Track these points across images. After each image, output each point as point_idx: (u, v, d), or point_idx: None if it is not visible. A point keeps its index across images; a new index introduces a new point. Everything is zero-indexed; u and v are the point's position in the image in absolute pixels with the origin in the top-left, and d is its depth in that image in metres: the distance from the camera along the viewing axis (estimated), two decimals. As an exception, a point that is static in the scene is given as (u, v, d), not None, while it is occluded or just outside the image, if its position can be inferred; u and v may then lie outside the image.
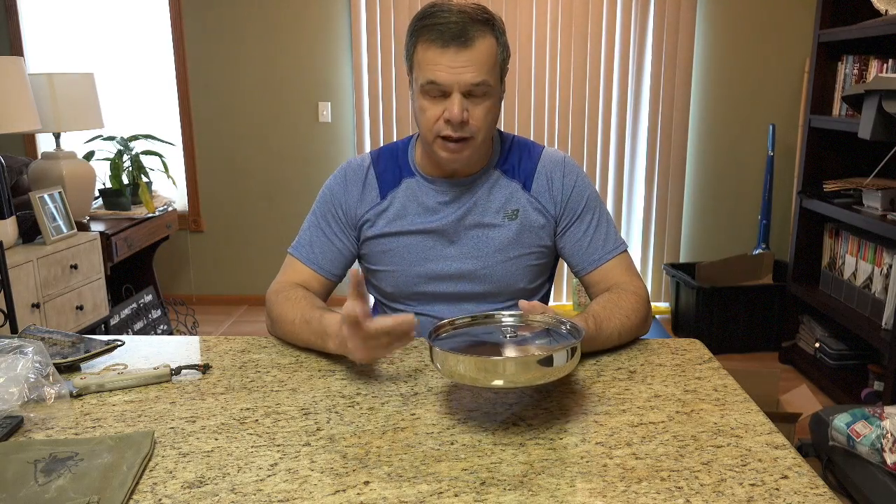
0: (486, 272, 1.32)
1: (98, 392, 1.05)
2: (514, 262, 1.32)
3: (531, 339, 0.98)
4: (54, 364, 1.04)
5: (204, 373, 1.11)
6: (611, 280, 1.30)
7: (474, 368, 0.89)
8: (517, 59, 3.62)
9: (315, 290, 1.31)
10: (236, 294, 4.07)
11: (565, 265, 3.68)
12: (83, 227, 2.82)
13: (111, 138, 3.30)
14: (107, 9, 3.81)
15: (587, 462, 0.84)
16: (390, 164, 1.35)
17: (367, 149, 3.77)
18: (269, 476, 0.82)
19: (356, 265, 1.39)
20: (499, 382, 0.88)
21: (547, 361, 0.88)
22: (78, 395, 1.03)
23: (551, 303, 1.49)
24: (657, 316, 3.81)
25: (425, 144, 1.26)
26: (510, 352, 0.95)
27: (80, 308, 2.63)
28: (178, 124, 3.88)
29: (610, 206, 3.77)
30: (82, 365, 1.14)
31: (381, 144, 3.77)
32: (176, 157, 3.87)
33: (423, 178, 1.32)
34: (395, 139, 3.74)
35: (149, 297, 3.30)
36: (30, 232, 2.53)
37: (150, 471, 0.83)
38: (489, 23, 1.19)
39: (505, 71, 1.25)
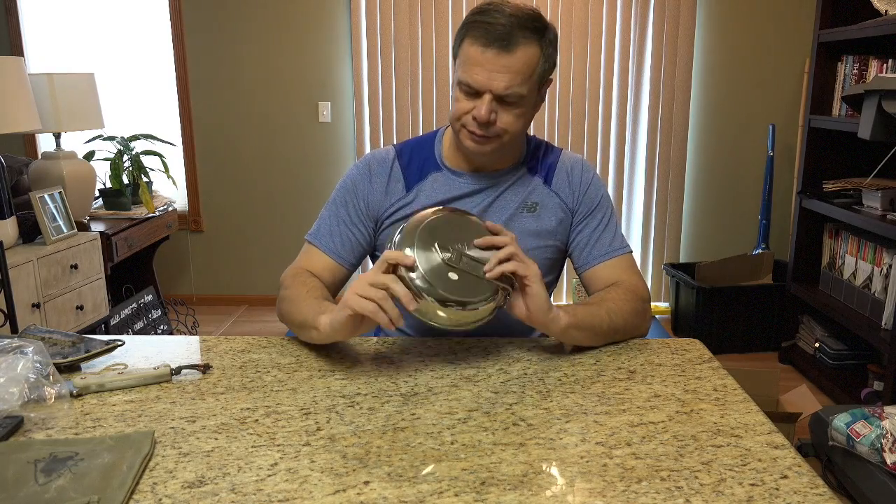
0: None
1: (98, 392, 1.05)
2: (530, 255, 1.33)
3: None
4: (54, 364, 1.04)
5: (204, 373, 1.11)
6: (611, 278, 1.31)
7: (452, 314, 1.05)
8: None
9: (329, 280, 1.32)
10: (236, 294, 4.07)
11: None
12: (83, 227, 2.82)
13: (111, 138, 3.30)
14: (107, 9, 3.81)
15: (587, 462, 0.84)
16: (416, 158, 1.36)
17: (368, 149, 3.77)
18: (269, 476, 0.82)
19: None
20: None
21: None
22: (78, 395, 1.03)
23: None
24: (657, 316, 3.82)
25: (453, 131, 1.29)
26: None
27: (81, 308, 2.63)
28: (178, 124, 3.88)
29: (610, 206, 3.78)
30: (82, 365, 1.15)
31: (381, 144, 3.79)
32: (176, 157, 3.87)
33: (450, 172, 1.34)
34: (394, 139, 3.74)
35: (149, 297, 3.30)
36: (30, 232, 2.53)
37: (150, 471, 0.83)
38: (538, 31, 1.19)
39: (546, 81, 1.25)
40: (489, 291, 1.08)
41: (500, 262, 1.08)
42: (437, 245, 1.08)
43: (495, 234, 1.13)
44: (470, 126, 1.22)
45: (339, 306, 1.08)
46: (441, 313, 1.04)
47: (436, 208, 1.16)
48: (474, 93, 1.19)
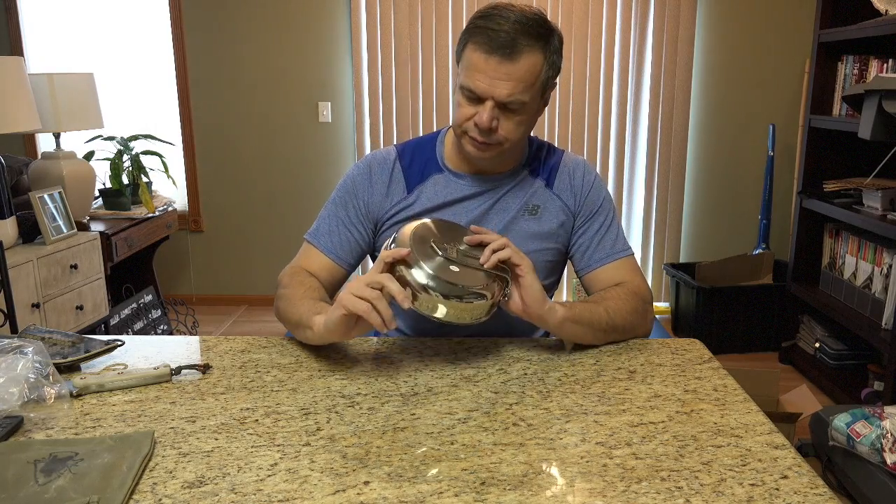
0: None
1: (98, 392, 1.05)
2: (530, 257, 1.33)
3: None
4: (54, 364, 1.04)
5: (204, 373, 1.11)
6: (613, 281, 1.31)
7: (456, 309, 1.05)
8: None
9: (326, 280, 1.32)
10: (236, 294, 4.06)
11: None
12: (83, 227, 2.82)
13: (111, 138, 3.30)
14: (107, 9, 3.81)
15: (587, 462, 0.84)
16: (417, 160, 1.36)
17: (368, 149, 3.77)
18: (269, 476, 0.82)
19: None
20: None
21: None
22: (78, 395, 1.03)
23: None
24: (657, 316, 3.82)
25: (455, 135, 1.29)
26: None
27: (80, 308, 2.63)
28: (178, 124, 3.88)
29: (610, 206, 3.78)
30: (82, 365, 1.15)
31: (382, 144, 3.78)
32: (176, 157, 3.87)
33: (452, 174, 1.34)
34: (394, 139, 3.74)
35: (149, 297, 3.30)
36: (30, 232, 2.53)
37: (150, 471, 0.83)
38: (543, 38, 1.18)
39: (549, 87, 1.25)
40: (488, 282, 1.09)
41: (494, 251, 1.10)
42: (432, 243, 1.10)
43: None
44: (471, 132, 1.22)
45: (333, 306, 1.08)
46: (442, 306, 1.05)
47: (422, 219, 1.18)
48: (476, 98, 1.19)
